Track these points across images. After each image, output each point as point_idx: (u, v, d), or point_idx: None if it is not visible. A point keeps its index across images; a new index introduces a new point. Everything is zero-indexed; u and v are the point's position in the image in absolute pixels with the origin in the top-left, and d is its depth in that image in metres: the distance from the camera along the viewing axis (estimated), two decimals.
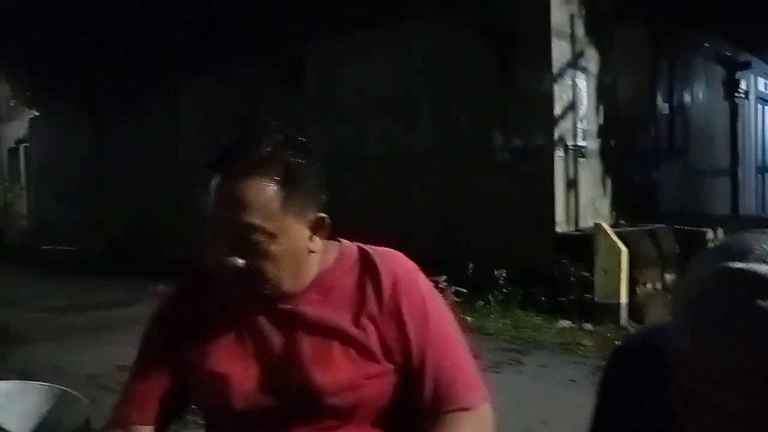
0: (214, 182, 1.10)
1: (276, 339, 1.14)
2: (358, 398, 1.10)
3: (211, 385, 1.14)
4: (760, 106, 14.08)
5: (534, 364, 4.41)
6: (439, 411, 1.10)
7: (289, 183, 1.08)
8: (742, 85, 12.28)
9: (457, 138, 7.19)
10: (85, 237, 12.38)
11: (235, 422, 1.14)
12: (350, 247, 1.23)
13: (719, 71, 12.16)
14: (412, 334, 1.13)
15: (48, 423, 1.77)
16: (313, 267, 1.17)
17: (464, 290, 6.47)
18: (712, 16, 8.15)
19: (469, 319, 5.73)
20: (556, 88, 6.56)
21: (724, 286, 0.66)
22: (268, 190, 1.07)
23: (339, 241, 1.24)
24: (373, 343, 1.12)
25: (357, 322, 1.13)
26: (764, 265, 0.65)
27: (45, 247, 13.54)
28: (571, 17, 6.78)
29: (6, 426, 1.69)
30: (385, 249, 1.23)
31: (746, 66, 12.09)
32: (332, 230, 1.18)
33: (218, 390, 1.13)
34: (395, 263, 1.19)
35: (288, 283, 1.13)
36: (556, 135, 6.57)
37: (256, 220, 1.06)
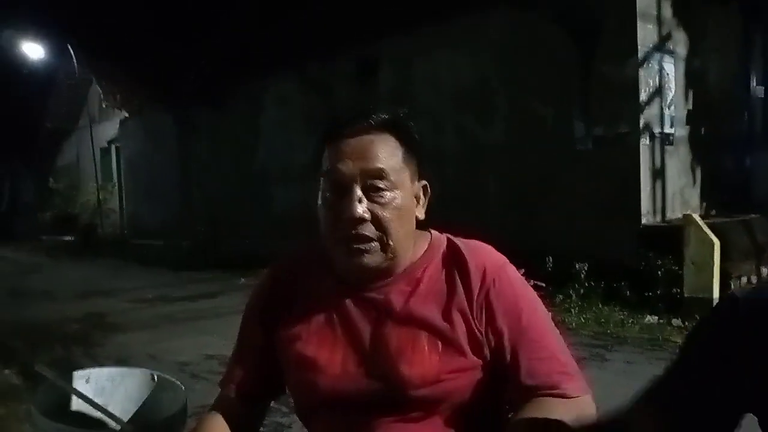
0: (337, 141, 1.11)
1: (364, 327, 1.14)
2: (443, 392, 1.09)
3: (300, 368, 1.15)
4: None
5: (619, 360, 4.26)
6: (534, 396, 1.07)
7: (407, 142, 1.13)
8: None
9: (536, 129, 7.03)
10: (173, 232, 12.94)
11: (322, 407, 1.15)
12: (440, 238, 1.22)
13: None
14: (505, 329, 1.10)
15: (148, 407, 1.86)
16: (409, 250, 1.17)
17: (543, 284, 6.30)
18: None
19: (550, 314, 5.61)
20: (641, 73, 6.29)
21: None
22: (391, 143, 1.11)
23: (429, 232, 1.23)
24: (461, 337, 1.10)
25: (445, 316, 1.11)
26: None
27: (135, 242, 14.25)
28: None
29: (109, 408, 1.79)
30: (474, 241, 1.21)
31: None
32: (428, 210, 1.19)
33: (306, 373, 1.14)
34: (484, 256, 1.16)
35: (402, 254, 1.13)
36: (642, 122, 6.31)
37: (385, 166, 1.09)
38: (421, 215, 1.17)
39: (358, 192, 1.09)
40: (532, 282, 5.26)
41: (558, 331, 1.15)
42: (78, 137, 19.39)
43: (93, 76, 17.20)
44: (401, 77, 8.61)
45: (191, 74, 11.70)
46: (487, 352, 1.10)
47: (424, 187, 1.18)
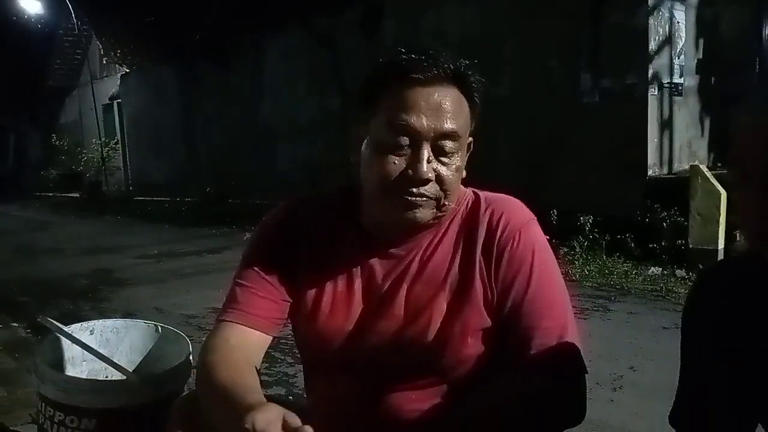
0: (394, 94, 1.03)
1: (384, 284, 1.09)
2: (457, 356, 1.05)
3: (313, 319, 1.11)
4: None
5: (622, 311, 4.28)
6: (519, 367, 1.03)
7: (471, 97, 1.08)
8: None
9: (543, 82, 6.91)
10: (177, 188, 12.95)
11: (331, 365, 1.11)
12: (465, 191, 1.15)
13: None
14: (512, 292, 1.05)
15: (153, 358, 1.88)
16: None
17: (548, 237, 6.32)
18: None
19: None
20: (651, 21, 6.14)
21: None
22: (461, 99, 1.06)
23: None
24: (479, 297, 1.06)
25: (463, 271, 1.07)
26: None
27: (140, 199, 14.28)
28: None
29: (114, 358, 1.80)
30: (502, 196, 1.16)
31: None
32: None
33: (318, 326, 1.10)
34: (510, 211, 1.11)
35: (449, 208, 1.08)
36: (650, 73, 6.19)
37: (457, 127, 1.04)
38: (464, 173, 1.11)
39: (428, 152, 1.02)
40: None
41: (569, 302, 1.09)
42: (80, 94, 19.24)
43: (92, 31, 16.95)
44: (404, 28, 8.45)
45: (194, 28, 11.51)
46: (498, 309, 1.06)
47: (469, 144, 1.12)
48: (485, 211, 1.11)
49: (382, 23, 8.74)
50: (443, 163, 1.04)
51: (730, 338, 0.84)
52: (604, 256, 5.78)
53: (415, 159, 1.02)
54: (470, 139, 1.11)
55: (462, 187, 1.14)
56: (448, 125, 1.02)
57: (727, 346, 0.84)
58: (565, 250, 5.97)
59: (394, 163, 1.03)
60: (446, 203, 1.06)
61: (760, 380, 0.81)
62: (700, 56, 6.72)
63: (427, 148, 1.02)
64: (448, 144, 1.03)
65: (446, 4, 7.83)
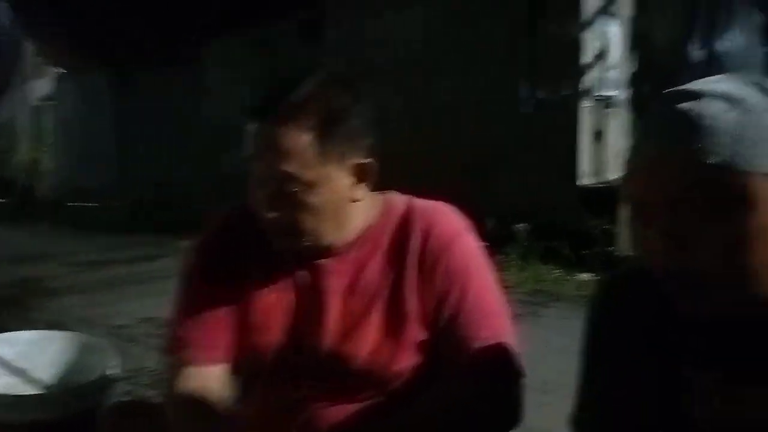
0: (254, 128, 1.02)
1: (311, 295, 1.08)
2: (393, 370, 1.05)
3: (247, 331, 1.09)
4: None
5: (553, 317, 4.40)
6: (458, 376, 1.04)
7: (328, 128, 1.01)
8: None
9: (484, 90, 7.04)
10: (111, 194, 12.55)
11: (266, 377, 1.10)
12: (397, 201, 1.14)
13: (757, 18, 11.63)
14: (448, 299, 1.05)
15: (76, 368, 1.82)
16: (358, 218, 1.09)
17: (484, 244, 6.45)
18: None
19: None
20: (585, 36, 6.36)
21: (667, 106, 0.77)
22: (304, 138, 0.99)
23: (387, 195, 1.16)
24: (411, 306, 1.05)
25: (396, 284, 1.06)
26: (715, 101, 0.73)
27: (73, 205, 13.77)
28: None
29: (31, 372, 1.74)
30: (434, 204, 1.15)
31: None
32: (379, 179, 1.10)
33: (252, 338, 1.09)
34: (442, 221, 1.11)
35: (330, 236, 1.05)
36: (584, 85, 6.41)
37: (292, 168, 0.99)
38: (361, 195, 1.07)
39: (268, 194, 1.01)
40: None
41: (506, 309, 1.11)
42: (12, 96, 18.43)
43: (24, 31, 16.30)
44: (345, 36, 8.46)
45: (130, 32, 11.22)
46: (432, 323, 1.06)
47: (365, 165, 1.06)
48: (417, 222, 1.10)
49: (323, 31, 8.74)
50: (288, 203, 1.02)
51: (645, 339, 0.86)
52: (539, 264, 5.92)
53: (261, 197, 1.03)
54: (363, 160, 1.06)
55: (394, 195, 1.15)
56: (282, 168, 0.99)
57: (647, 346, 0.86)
58: (501, 257, 6.09)
59: (255, 199, 1.05)
60: (305, 233, 1.04)
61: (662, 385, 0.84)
62: (633, 69, 6.99)
63: (265, 192, 1.02)
64: (287, 187, 1.00)
65: (388, 12, 7.89)
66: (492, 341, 1.05)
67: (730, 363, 0.76)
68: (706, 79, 0.79)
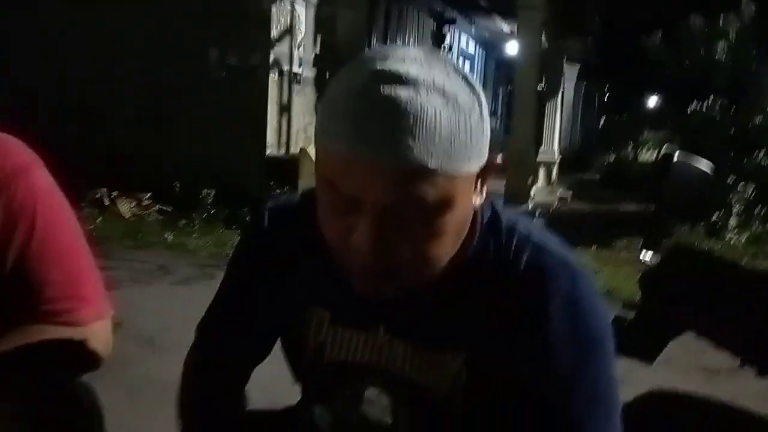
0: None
1: None
2: None
3: None
4: (461, 59, 15.86)
5: None
6: (31, 321, 0.98)
7: None
8: (448, 39, 13.69)
9: (173, 51, 6.79)
10: None
11: None
12: None
13: (430, 24, 13.33)
14: (14, 240, 0.97)
15: None
16: None
17: (169, 209, 6.31)
18: None
19: (170, 237, 5.64)
20: (273, 10, 6.56)
21: (359, 81, 0.69)
22: None
23: None
24: None
25: None
26: (402, 63, 0.68)
27: None
28: None
29: None
30: None
31: (452, 22, 13.46)
32: None
33: None
34: (2, 155, 0.99)
35: None
36: (272, 58, 6.62)
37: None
38: None
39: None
40: (158, 206, 5.18)
41: (86, 249, 1.06)
42: None
43: None
44: None
45: None
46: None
47: None
48: None
49: None
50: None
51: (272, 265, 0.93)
52: (222, 228, 6.00)
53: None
54: None
55: None
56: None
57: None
58: (185, 221, 6.03)
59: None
60: None
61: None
62: (317, 51, 7.44)
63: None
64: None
65: None
66: (64, 285, 1.00)
67: (335, 306, 0.87)
68: (408, 53, 0.70)
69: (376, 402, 0.88)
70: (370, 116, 0.66)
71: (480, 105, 0.71)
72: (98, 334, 1.04)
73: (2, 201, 0.96)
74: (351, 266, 0.75)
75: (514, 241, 0.82)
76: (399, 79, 0.67)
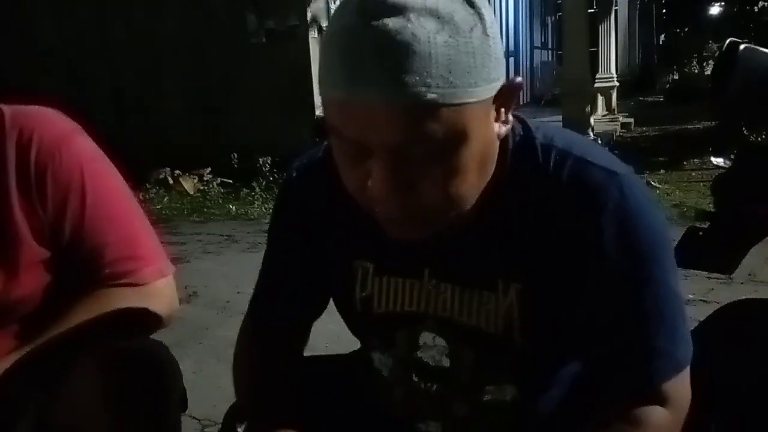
0: None
1: None
2: (15, 296, 0.96)
3: None
4: None
5: None
6: (99, 286, 0.99)
7: None
8: None
9: (208, 22, 6.81)
10: None
11: None
12: None
13: None
14: (67, 211, 0.97)
15: None
16: None
17: (230, 181, 6.42)
18: None
19: (233, 208, 5.74)
20: None
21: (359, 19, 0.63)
22: None
23: None
24: (23, 225, 0.95)
25: (1, 204, 0.95)
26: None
27: None
28: None
29: None
30: (33, 108, 1.02)
31: None
32: None
33: None
34: (43, 126, 0.98)
35: None
36: (309, 15, 6.53)
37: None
38: None
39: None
40: (219, 180, 5.24)
41: (140, 210, 1.07)
42: None
43: None
44: None
45: None
46: (54, 241, 0.97)
47: None
48: (12, 130, 0.96)
49: None
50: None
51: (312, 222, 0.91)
52: None
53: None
54: None
55: None
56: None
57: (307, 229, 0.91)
58: (246, 191, 6.12)
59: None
60: None
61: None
62: None
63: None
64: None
65: None
66: (124, 244, 1.01)
67: (382, 256, 0.84)
68: None
69: (433, 346, 0.86)
70: (360, 55, 0.62)
71: (482, 21, 0.65)
72: (162, 292, 1.04)
73: (50, 172, 0.96)
74: (377, 214, 0.72)
75: (552, 158, 0.77)
76: (386, 9, 0.61)
